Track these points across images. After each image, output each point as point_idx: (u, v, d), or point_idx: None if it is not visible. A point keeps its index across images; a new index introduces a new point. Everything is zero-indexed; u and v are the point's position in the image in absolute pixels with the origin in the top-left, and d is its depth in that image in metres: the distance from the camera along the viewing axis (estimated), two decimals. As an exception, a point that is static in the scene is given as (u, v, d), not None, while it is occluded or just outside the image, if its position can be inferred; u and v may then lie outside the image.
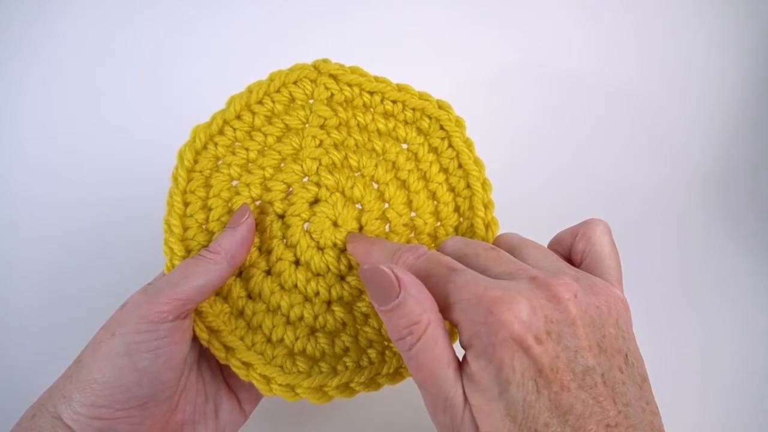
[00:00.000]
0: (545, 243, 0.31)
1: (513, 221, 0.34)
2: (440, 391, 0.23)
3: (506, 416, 0.22)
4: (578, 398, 0.21)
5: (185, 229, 0.31)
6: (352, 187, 0.31)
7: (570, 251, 0.29)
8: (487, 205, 0.32)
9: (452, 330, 0.30)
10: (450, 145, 0.33)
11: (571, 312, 0.23)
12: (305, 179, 0.32)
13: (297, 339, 0.31)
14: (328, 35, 0.54)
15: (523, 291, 0.23)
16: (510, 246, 0.29)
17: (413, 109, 0.33)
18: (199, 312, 0.30)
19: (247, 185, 0.31)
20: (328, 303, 0.31)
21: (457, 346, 0.25)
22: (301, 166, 0.32)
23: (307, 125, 0.32)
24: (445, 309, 0.24)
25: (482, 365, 0.22)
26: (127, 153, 0.49)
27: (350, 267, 0.31)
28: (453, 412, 0.23)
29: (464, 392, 0.23)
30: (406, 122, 0.33)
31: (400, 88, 0.33)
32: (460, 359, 0.24)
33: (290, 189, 0.32)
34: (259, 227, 0.32)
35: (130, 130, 0.50)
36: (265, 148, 0.32)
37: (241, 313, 0.31)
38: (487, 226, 0.32)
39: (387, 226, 0.32)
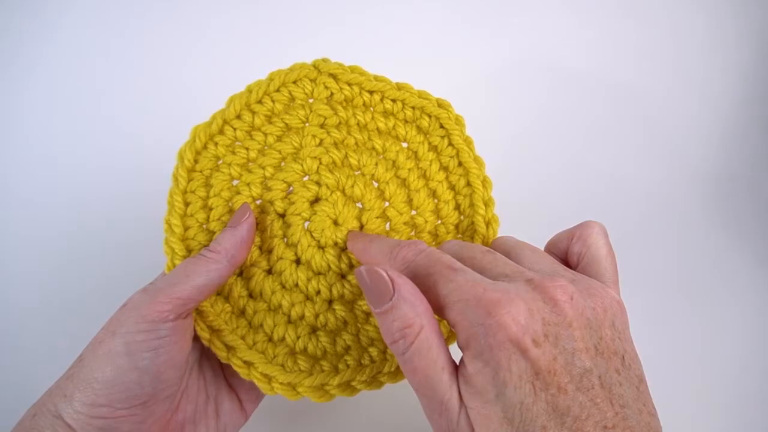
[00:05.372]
0: (545, 240, 0.31)
1: (513, 218, 0.34)
2: (435, 394, 0.23)
3: (503, 419, 0.22)
4: (575, 400, 0.21)
5: (186, 228, 0.31)
6: (352, 186, 0.31)
7: (566, 253, 0.29)
8: (488, 203, 0.32)
9: (451, 333, 0.30)
10: (450, 144, 0.33)
11: (568, 314, 0.23)
12: (306, 178, 0.32)
13: (298, 338, 0.31)
14: (328, 35, 0.54)
15: (521, 293, 0.23)
16: (506, 249, 0.29)
17: (413, 108, 0.33)
18: (200, 311, 0.30)
19: (248, 184, 0.32)
20: (329, 302, 0.31)
21: (454, 348, 0.25)
22: (302, 165, 0.32)
23: (307, 124, 0.32)
24: (442, 307, 0.24)
25: (479, 367, 0.22)
26: (127, 153, 0.49)
27: (351, 265, 0.31)
28: (449, 415, 0.23)
29: (460, 395, 0.23)
30: (405, 121, 0.33)
31: (400, 86, 0.33)
32: (457, 362, 0.24)
33: (291, 188, 0.32)
34: (260, 226, 0.32)
35: (130, 130, 0.50)
36: (266, 148, 0.32)
37: (242, 313, 0.31)
38: (487, 223, 0.32)
39: (387, 225, 0.32)
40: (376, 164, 0.32)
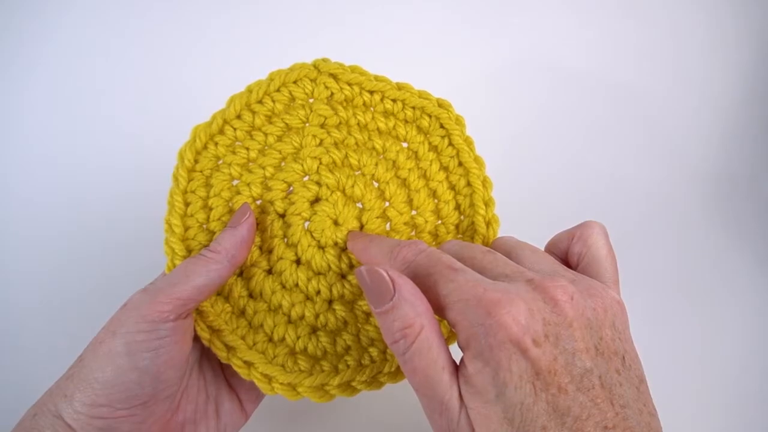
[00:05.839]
0: (545, 240, 0.31)
1: (513, 218, 0.34)
2: (435, 394, 0.23)
3: (504, 419, 0.22)
4: (576, 400, 0.21)
5: (186, 228, 0.31)
6: (352, 186, 0.31)
7: (567, 253, 0.29)
8: (488, 203, 0.32)
9: (451, 333, 0.30)
10: (450, 144, 0.33)
11: (568, 314, 0.23)
12: (306, 178, 0.32)
13: (298, 338, 0.31)
14: (328, 35, 0.54)
15: (521, 293, 0.23)
16: (506, 249, 0.29)
17: (413, 108, 0.33)
18: (200, 311, 0.30)
19: (248, 184, 0.32)
20: (329, 302, 0.31)
21: (454, 348, 0.25)
22: (302, 165, 0.32)
23: (307, 124, 0.32)
24: (443, 308, 0.24)
25: (479, 367, 0.22)
26: (128, 153, 0.49)
27: (351, 266, 0.31)
28: (449, 416, 0.23)
29: (460, 396, 0.23)
30: (406, 121, 0.33)
31: (400, 86, 0.33)
32: (458, 362, 0.24)
33: (291, 188, 0.32)
34: (260, 226, 0.32)
35: (131, 130, 0.50)
36: (266, 148, 0.32)
37: (242, 313, 0.31)
38: (488, 223, 0.32)
39: (388, 225, 0.32)
40: (377, 164, 0.32)
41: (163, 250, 0.30)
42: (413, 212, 0.32)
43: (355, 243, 0.30)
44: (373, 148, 0.32)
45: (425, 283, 0.25)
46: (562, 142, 0.53)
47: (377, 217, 0.32)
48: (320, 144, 0.32)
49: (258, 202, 0.32)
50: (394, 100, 0.33)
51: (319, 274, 0.31)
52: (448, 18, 0.57)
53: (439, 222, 0.33)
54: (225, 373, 0.33)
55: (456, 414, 0.23)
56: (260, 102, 0.32)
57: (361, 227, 0.32)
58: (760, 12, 0.58)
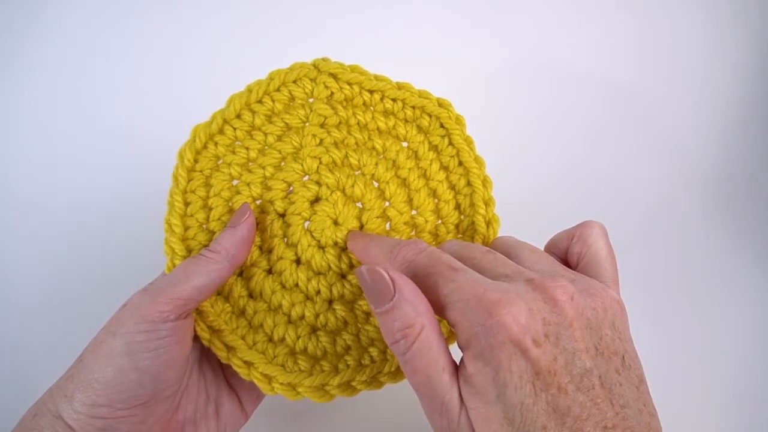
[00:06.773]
0: (545, 240, 0.31)
1: (513, 218, 0.34)
2: (436, 395, 0.23)
3: (504, 419, 0.22)
4: (576, 400, 0.21)
5: (186, 228, 0.31)
6: (352, 186, 0.31)
7: (566, 253, 0.29)
8: (488, 203, 0.32)
9: (451, 333, 0.30)
10: (450, 143, 0.33)
11: (568, 314, 0.23)
12: (306, 178, 0.32)
13: (298, 338, 0.31)
14: (328, 35, 0.54)
15: (522, 293, 0.23)
16: (506, 249, 0.29)
17: (413, 108, 0.33)
18: (200, 311, 0.30)
19: (248, 184, 0.32)
20: (330, 302, 0.31)
21: (454, 348, 0.25)
22: (302, 165, 0.32)
23: (307, 124, 0.32)
24: (443, 307, 0.24)
25: (479, 367, 0.22)
26: (127, 153, 0.49)
27: (351, 265, 0.31)
28: (449, 416, 0.23)
29: (461, 396, 0.23)
30: (406, 120, 0.33)
31: (400, 86, 0.33)
32: (458, 362, 0.24)
33: (291, 188, 0.32)
34: (260, 226, 0.32)
35: (130, 129, 0.50)
36: (266, 147, 0.32)
37: (242, 313, 0.31)
38: (488, 223, 0.32)
39: (388, 225, 0.32)
40: (377, 164, 0.32)
41: (163, 250, 0.30)
42: (413, 212, 0.32)
43: (355, 243, 0.30)
44: (373, 147, 0.32)
45: (425, 283, 0.25)
46: (562, 142, 0.54)
47: (377, 217, 0.32)
48: (320, 143, 0.32)
49: (258, 202, 0.32)
50: (394, 100, 0.33)
51: (319, 273, 0.31)
52: (448, 18, 0.57)
53: (439, 222, 0.33)
54: (225, 374, 0.33)
55: (456, 414, 0.23)
56: (260, 101, 0.32)
57: (361, 227, 0.32)
58: (760, 12, 0.58)
